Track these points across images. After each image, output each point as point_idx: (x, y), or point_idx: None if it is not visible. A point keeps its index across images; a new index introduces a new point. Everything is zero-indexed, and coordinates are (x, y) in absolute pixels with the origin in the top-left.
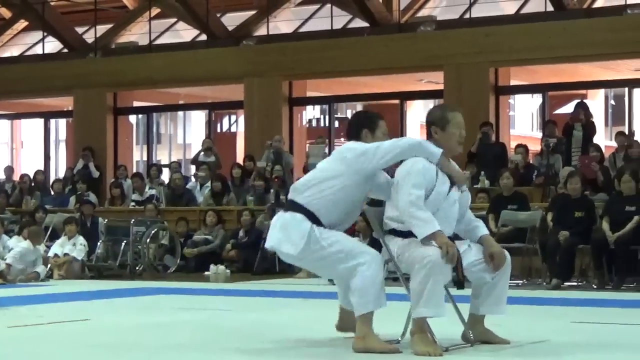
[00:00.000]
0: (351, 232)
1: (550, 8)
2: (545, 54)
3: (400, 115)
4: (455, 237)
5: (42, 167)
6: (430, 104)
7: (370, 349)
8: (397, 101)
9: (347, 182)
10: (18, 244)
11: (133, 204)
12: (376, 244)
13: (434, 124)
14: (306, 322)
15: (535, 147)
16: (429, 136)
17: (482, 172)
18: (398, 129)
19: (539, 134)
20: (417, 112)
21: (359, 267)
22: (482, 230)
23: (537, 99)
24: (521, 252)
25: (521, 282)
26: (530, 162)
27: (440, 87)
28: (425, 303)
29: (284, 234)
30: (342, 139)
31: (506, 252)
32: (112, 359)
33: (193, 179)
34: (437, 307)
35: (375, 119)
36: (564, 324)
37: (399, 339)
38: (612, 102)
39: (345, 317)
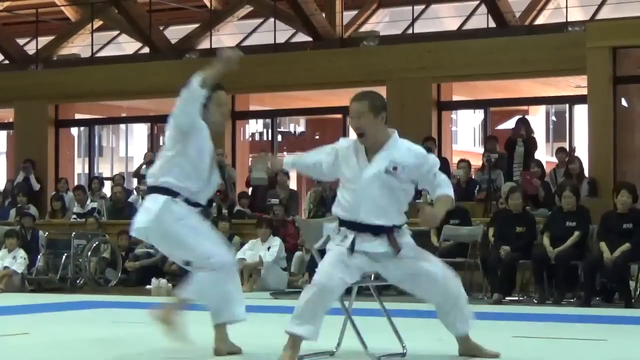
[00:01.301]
0: None
1: (492, 24)
2: (487, 70)
3: (343, 129)
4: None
5: None
6: None
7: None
8: (339, 116)
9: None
10: None
11: (74, 216)
12: None
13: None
14: (244, 336)
15: (477, 162)
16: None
17: None
18: None
19: (481, 150)
20: None
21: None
22: (441, 190)
23: (479, 114)
24: (463, 266)
25: None
26: (472, 177)
27: None
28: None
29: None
30: (285, 153)
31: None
32: None
33: (135, 192)
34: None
35: None
36: (505, 338)
37: (334, 350)
38: (553, 118)
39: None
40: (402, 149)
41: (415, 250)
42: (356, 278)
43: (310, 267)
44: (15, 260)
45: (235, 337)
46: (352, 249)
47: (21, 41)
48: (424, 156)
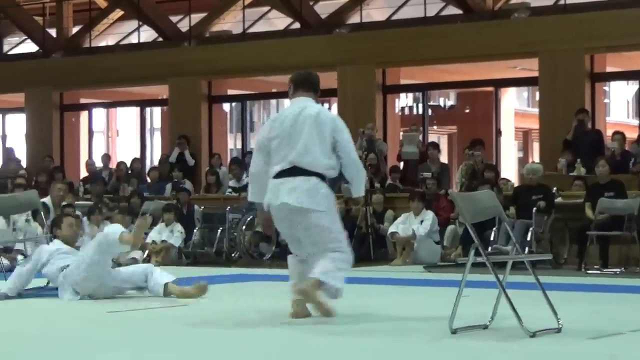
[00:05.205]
0: None
1: None
2: None
3: (494, 102)
4: None
5: (137, 155)
6: (524, 91)
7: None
8: (491, 88)
9: None
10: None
11: (230, 190)
12: None
13: None
14: (402, 308)
15: (630, 134)
16: None
17: (578, 160)
18: (492, 116)
19: (635, 122)
20: (511, 100)
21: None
22: None
23: (633, 86)
24: (619, 240)
25: (619, 270)
26: (627, 149)
27: (535, 74)
28: None
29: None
30: (435, 127)
31: None
32: (209, 344)
33: None
34: None
35: None
36: None
37: (488, 323)
38: None
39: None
40: None
41: None
42: None
43: (464, 241)
44: (172, 234)
45: (393, 310)
46: None
47: (174, 18)
48: None
